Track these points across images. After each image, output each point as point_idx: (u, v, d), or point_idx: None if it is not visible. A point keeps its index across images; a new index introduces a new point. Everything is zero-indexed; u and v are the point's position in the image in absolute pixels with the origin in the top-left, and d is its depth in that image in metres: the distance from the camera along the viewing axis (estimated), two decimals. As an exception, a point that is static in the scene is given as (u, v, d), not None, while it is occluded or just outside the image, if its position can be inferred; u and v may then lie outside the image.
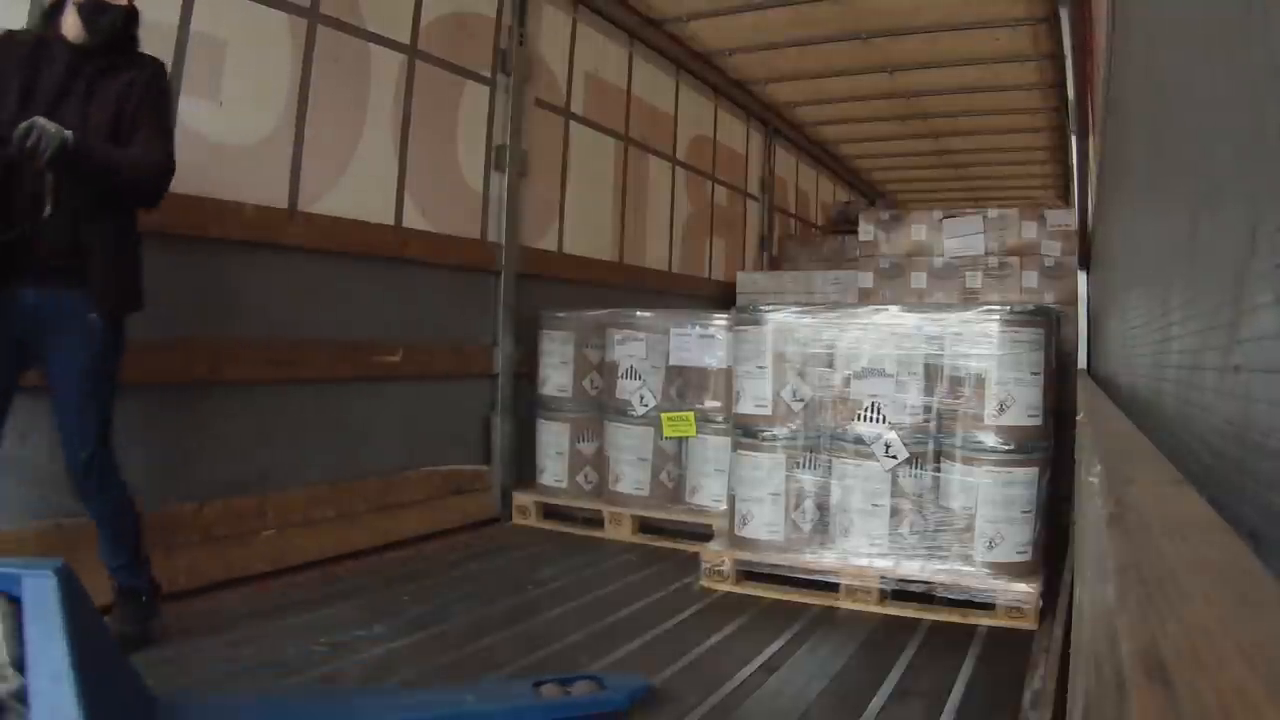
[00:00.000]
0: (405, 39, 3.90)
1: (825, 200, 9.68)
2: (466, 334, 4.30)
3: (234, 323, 3.16)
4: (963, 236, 4.89)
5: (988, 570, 2.91)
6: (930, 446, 3.01)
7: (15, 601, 1.52)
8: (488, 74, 4.40)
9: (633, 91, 5.77)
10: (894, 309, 3.17)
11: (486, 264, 4.38)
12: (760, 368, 3.25)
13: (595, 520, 4.07)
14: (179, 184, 2.40)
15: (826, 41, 5.80)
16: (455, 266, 4.18)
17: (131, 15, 2.33)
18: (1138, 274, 1.71)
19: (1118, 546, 0.53)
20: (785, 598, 3.09)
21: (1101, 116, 3.18)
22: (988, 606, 2.87)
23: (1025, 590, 2.83)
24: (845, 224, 8.10)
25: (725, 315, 3.90)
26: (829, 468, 3.15)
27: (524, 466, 4.40)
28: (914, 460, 3.01)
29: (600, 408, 4.20)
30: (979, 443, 2.95)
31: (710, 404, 3.95)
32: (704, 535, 3.60)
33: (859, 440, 3.07)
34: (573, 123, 5.18)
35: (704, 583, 3.23)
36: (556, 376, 4.29)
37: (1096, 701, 0.54)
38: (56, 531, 2.55)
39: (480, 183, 4.39)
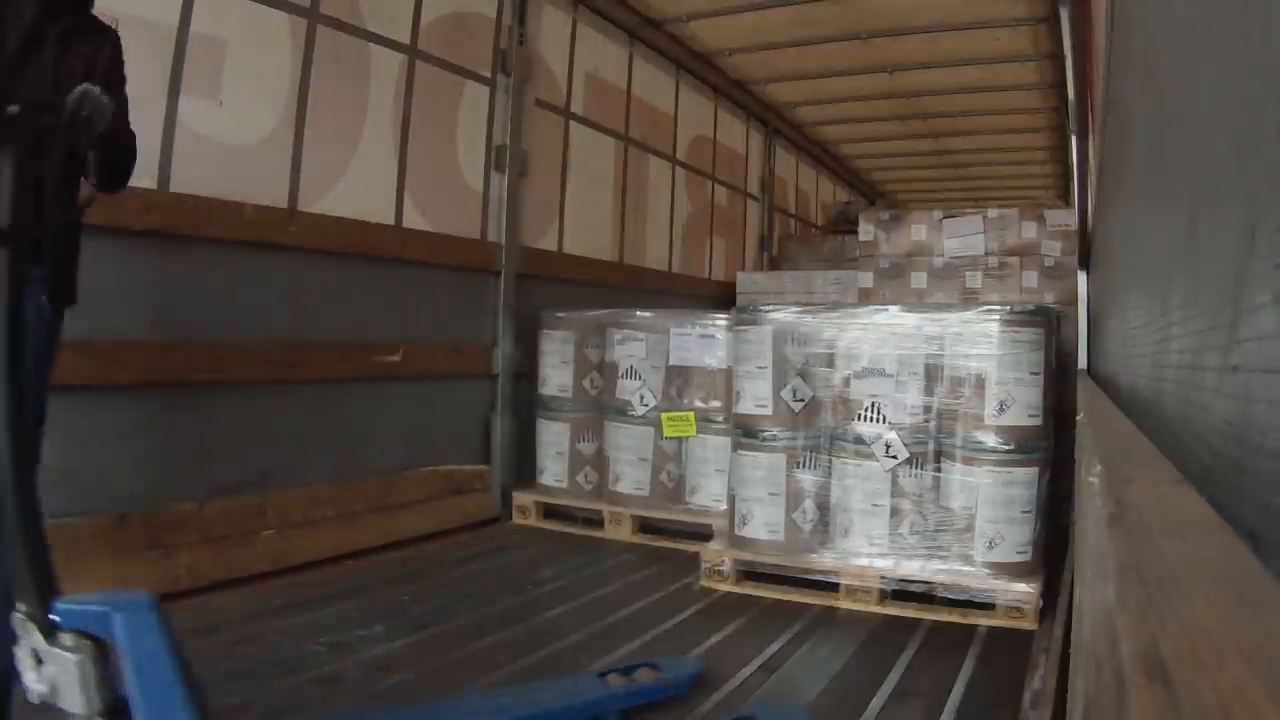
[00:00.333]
0: (405, 39, 3.90)
1: (825, 200, 9.68)
2: (466, 334, 4.30)
3: (234, 323, 3.16)
4: (963, 236, 4.90)
5: (988, 570, 2.91)
6: (930, 446, 3.01)
7: (100, 641, 1.38)
8: (488, 74, 4.40)
9: (633, 91, 5.77)
10: (894, 309, 3.17)
11: (486, 264, 4.39)
12: (760, 368, 3.25)
13: (595, 520, 4.07)
14: (179, 184, 2.38)
15: (826, 41, 5.80)
16: (455, 266, 4.18)
17: None
18: (1137, 274, 1.71)
19: (1118, 546, 0.53)
20: (785, 598, 3.09)
21: (1101, 116, 3.18)
22: (988, 606, 2.87)
23: (1025, 590, 2.83)
24: (845, 224, 8.10)
25: (725, 315, 3.89)
26: (829, 468, 3.15)
27: (524, 466, 4.40)
28: (914, 460, 3.01)
29: (600, 408, 4.20)
30: (979, 443, 2.95)
31: (710, 404, 3.95)
32: (704, 535, 3.60)
33: (859, 440, 3.07)
34: (573, 123, 5.18)
35: (704, 583, 3.23)
36: (557, 376, 4.29)
37: (1096, 701, 0.54)
38: (57, 531, 2.54)
39: (480, 183, 4.39)
